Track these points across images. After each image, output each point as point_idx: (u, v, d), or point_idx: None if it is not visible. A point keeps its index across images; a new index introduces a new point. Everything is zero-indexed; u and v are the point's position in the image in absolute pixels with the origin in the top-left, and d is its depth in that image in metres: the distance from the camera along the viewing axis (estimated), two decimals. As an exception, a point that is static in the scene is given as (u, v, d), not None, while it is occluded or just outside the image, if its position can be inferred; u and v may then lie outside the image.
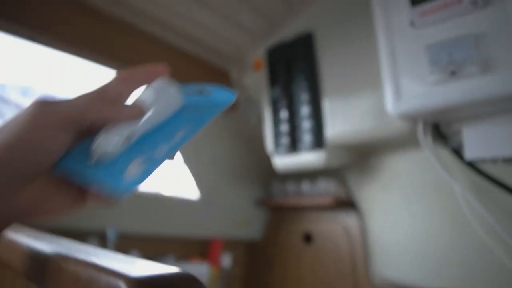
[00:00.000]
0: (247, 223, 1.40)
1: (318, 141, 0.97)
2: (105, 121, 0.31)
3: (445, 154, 0.86)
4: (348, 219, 1.19)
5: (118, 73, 0.34)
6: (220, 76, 1.30)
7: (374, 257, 1.10)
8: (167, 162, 0.33)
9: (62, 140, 0.30)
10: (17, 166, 0.29)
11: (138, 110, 0.32)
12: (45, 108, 0.30)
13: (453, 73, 0.69)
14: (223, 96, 0.38)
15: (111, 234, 1.02)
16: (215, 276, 1.24)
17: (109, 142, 0.30)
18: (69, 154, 0.31)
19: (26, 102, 0.96)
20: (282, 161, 1.06)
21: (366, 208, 1.13)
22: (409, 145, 0.97)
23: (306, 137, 0.99)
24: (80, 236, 1.02)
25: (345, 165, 1.11)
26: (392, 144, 0.99)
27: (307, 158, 1.00)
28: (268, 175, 1.40)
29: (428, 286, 0.95)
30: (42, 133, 0.29)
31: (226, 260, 1.30)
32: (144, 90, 0.34)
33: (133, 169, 0.31)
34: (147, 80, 0.35)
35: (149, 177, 0.31)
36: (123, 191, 0.30)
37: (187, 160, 1.24)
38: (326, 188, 1.17)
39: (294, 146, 1.02)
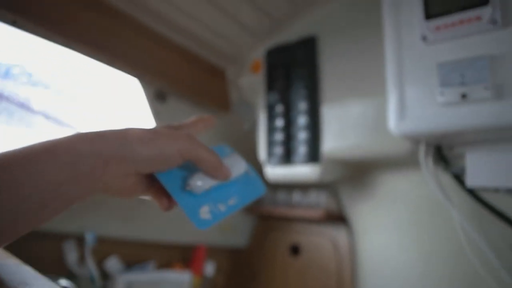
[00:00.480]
0: (232, 228, 1.35)
1: (314, 155, 0.92)
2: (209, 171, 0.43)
3: (445, 178, 0.81)
4: (337, 234, 1.14)
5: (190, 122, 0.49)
6: (215, 74, 1.24)
7: (362, 277, 1.05)
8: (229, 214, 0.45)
9: (177, 161, 0.41)
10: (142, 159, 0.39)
11: (229, 173, 0.45)
12: (174, 132, 0.42)
13: (463, 96, 0.64)
14: (259, 184, 0.51)
15: (89, 238, 0.96)
16: (197, 285, 1.19)
17: (200, 182, 0.42)
18: (171, 171, 0.42)
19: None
20: (274, 172, 1.01)
21: (357, 225, 1.09)
22: (408, 165, 0.93)
23: (301, 149, 0.94)
24: (59, 238, 0.97)
25: (339, 180, 1.06)
26: (390, 162, 0.95)
27: (301, 171, 0.95)
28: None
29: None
30: (170, 149, 0.40)
31: (209, 268, 1.25)
32: (226, 158, 0.46)
33: (204, 211, 0.42)
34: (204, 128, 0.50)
35: (213, 224, 0.43)
36: (196, 223, 0.41)
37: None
38: (318, 200, 1.12)
39: (288, 157, 0.97)
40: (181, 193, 0.42)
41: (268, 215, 1.29)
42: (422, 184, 0.91)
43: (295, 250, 1.24)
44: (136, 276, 1.05)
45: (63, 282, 0.79)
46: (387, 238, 1.01)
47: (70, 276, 0.98)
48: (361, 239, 1.08)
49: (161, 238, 1.18)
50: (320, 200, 1.13)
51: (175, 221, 1.20)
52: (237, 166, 0.46)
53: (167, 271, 1.12)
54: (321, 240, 1.17)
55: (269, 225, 1.35)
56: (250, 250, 1.37)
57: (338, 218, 1.13)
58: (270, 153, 1.01)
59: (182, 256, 1.25)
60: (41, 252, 0.95)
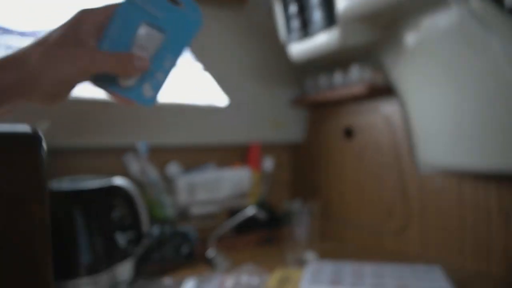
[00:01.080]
0: (283, 124, 1.34)
1: (329, 17, 0.83)
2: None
3: (482, 6, 0.67)
4: (388, 107, 1.06)
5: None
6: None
7: (418, 144, 0.98)
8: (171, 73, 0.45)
9: (82, 80, 0.42)
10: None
11: (145, 61, 0.43)
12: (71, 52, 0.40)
13: None
14: (191, 15, 0.46)
15: (141, 147, 1.05)
16: (257, 179, 1.24)
17: (129, 79, 0.43)
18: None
19: None
20: (296, 49, 0.95)
21: (405, 92, 0.99)
22: (439, 6, 0.78)
23: (316, 15, 0.86)
24: (118, 151, 1.07)
25: (374, 46, 0.96)
26: (417, 5, 0.81)
27: (321, 40, 0.87)
28: (299, 72, 1.29)
29: (477, 168, 0.82)
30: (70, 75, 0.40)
31: (267, 163, 1.29)
32: (138, 38, 0.44)
33: (146, 89, 0.44)
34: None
35: (158, 95, 0.45)
36: (144, 103, 0.45)
37: (207, 67, 1.19)
38: (361, 76, 1.04)
39: (305, 29, 0.90)
40: (119, 87, 0.44)
41: (315, 103, 1.25)
42: (458, 27, 0.77)
43: (348, 133, 1.20)
44: (196, 176, 1.14)
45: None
46: (439, 97, 0.90)
47: (137, 185, 1.11)
48: (411, 105, 0.98)
49: (215, 141, 1.23)
50: (363, 75, 1.04)
51: (229, 123, 1.23)
52: (152, 36, 0.44)
53: (226, 169, 1.18)
54: (372, 117, 1.11)
55: (319, 114, 1.31)
56: (306, 143, 1.37)
57: (385, 90, 1.04)
58: (289, 30, 0.95)
59: (239, 155, 1.30)
60: (105, 166, 1.08)
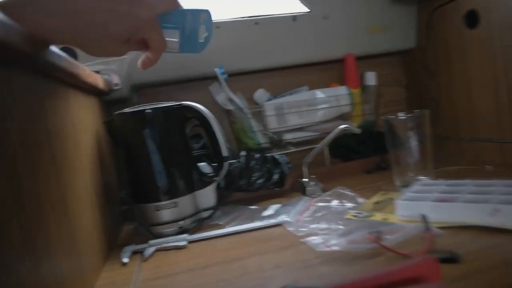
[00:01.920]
0: (385, 28, 1.11)
1: None
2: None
3: None
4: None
5: None
6: None
7: None
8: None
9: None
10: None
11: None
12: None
13: None
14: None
15: (222, 74, 0.98)
16: (358, 98, 1.06)
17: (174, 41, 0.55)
18: None
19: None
20: None
21: None
22: None
23: None
24: (206, 80, 1.03)
25: None
26: None
27: None
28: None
29: None
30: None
31: (369, 78, 1.09)
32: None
33: (201, 34, 0.56)
34: None
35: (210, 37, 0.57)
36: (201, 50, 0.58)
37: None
38: None
39: None
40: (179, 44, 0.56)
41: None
42: None
43: (472, 19, 0.91)
44: (285, 100, 1.03)
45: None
46: None
47: (224, 115, 1.05)
48: None
49: (308, 60, 1.09)
50: None
51: (319, 37, 1.08)
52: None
53: (317, 90, 1.04)
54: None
55: (430, 4, 1.03)
56: (419, 46, 1.11)
57: None
58: None
59: (337, 75, 1.13)
60: (196, 98, 1.05)
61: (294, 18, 1.05)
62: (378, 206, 0.69)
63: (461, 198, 0.57)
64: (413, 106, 1.14)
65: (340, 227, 0.60)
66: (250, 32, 1.03)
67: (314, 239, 0.57)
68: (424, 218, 0.53)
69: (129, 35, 0.49)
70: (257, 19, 1.04)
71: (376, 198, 0.75)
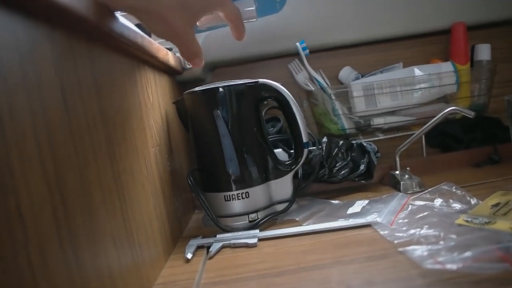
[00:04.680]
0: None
1: None
2: None
3: None
4: None
5: None
6: None
7: None
8: None
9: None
10: None
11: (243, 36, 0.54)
12: None
13: None
14: None
15: (299, 47, 0.87)
16: (466, 74, 0.88)
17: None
18: None
19: None
20: None
21: None
22: None
23: None
24: (285, 58, 0.94)
25: None
26: None
27: None
28: None
29: None
30: None
31: (482, 52, 0.90)
32: None
33: None
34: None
35: None
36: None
37: None
38: None
39: None
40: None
41: None
42: None
43: None
44: (376, 79, 0.88)
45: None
46: None
47: (305, 96, 0.95)
48: None
49: (403, 31, 0.93)
50: None
51: (417, 5, 0.91)
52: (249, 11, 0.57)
53: (415, 66, 0.88)
54: None
55: None
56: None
57: None
58: None
59: (440, 50, 0.96)
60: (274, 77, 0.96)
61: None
62: (500, 211, 0.54)
63: None
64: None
65: (452, 236, 0.46)
66: (334, 0, 0.89)
67: (417, 250, 0.44)
68: None
69: (200, 9, 0.47)
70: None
71: (494, 199, 0.59)
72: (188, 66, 0.83)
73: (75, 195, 0.30)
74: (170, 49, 0.78)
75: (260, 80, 0.67)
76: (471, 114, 0.68)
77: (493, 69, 0.88)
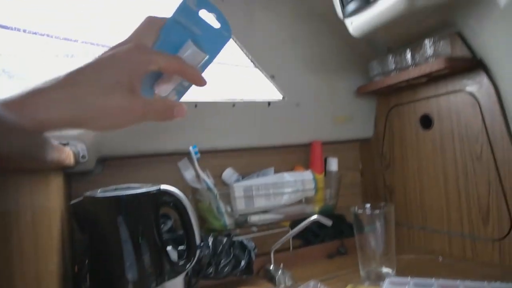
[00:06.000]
0: (348, 118, 1.20)
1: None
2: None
3: None
4: (473, 85, 0.88)
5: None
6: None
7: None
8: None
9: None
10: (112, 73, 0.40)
11: (198, 75, 0.47)
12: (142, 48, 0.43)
13: None
14: (221, 31, 0.48)
15: (192, 151, 0.97)
16: (322, 183, 1.10)
17: (163, 91, 0.50)
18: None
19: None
20: (356, 22, 0.81)
21: (495, 63, 0.80)
22: None
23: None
24: (174, 156, 1.01)
25: (451, 7, 0.79)
26: None
27: (384, 5, 0.73)
28: (363, 59, 1.14)
29: None
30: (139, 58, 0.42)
31: (332, 164, 1.15)
32: (181, 50, 0.47)
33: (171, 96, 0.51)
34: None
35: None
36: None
37: (258, 63, 1.09)
38: (438, 51, 0.87)
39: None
40: (150, 93, 0.49)
41: (384, 90, 1.09)
42: None
43: (426, 122, 1.02)
44: (254, 182, 1.03)
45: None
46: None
47: (192, 193, 1.03)
48: (505, 81, 0.80)
49: (276, 143, 1.12)
50: (441, 50, 0.88)
51: (287, 122, 1.12)
52: (196, 54, 0.47)
53: (284, 173, 1.07)
54: (456, 100, 0.93)
55: (390, 102, 1.15)
56: (376, 138, 1.21)
57: (469, 65, 0.86)
58: (345, 2, 0.82)
59: (302, 159, 1.18)
60: (163, 173, 1.02)
61: (269, 103, 1.10)
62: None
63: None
64: (369, 190, 1.21)
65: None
66: (226, 113, 1.04)
67: None
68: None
69: (138, 78, 0.42)
70: (234, 101, 1.06)
71: (349, 293, 0.76)
72: (82, 160, 0.84)
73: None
74: (65, 144, 0.79)
75: (162, 187, 0.73)
76: (329, 223, 0.86)
77: (339, 178, 1.13)
